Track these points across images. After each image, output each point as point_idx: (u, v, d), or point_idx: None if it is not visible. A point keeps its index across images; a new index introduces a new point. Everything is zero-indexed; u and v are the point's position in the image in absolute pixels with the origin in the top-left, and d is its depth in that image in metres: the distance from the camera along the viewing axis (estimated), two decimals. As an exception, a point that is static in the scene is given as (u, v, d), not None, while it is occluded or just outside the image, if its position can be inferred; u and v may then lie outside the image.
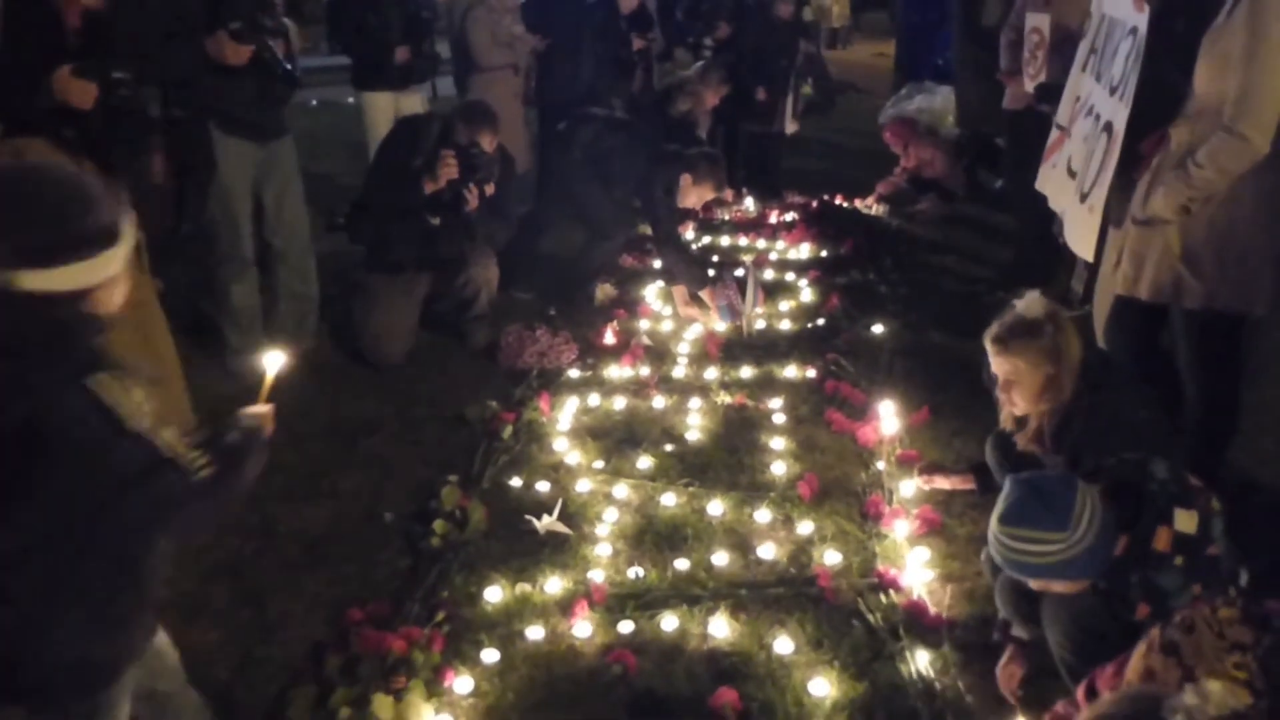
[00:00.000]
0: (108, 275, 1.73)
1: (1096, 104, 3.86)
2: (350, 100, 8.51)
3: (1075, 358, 2.74)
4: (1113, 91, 3.68)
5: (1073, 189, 3.96)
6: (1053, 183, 4.32)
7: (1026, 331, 2.74)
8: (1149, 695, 1.43)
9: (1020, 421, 2.95)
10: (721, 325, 5.27)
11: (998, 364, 2.81)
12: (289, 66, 4.31)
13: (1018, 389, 2.79)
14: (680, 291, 5.45)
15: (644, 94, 7.54)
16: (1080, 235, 3.94)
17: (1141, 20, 3.35)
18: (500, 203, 5.02)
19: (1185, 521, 2.17)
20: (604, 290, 5.70)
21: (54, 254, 1.65)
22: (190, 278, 4.93)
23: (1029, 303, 2.82)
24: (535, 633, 2.94)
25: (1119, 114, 3.56)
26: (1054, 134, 4.41)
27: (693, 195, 5.40)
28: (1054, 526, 2.16)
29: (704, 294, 5.37)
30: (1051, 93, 4.69)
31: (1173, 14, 3.36)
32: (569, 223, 5.84)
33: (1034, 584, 2.33)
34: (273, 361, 2.20)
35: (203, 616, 3.10)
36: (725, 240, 6.99)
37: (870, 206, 7.76)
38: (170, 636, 2.96)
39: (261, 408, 2.05)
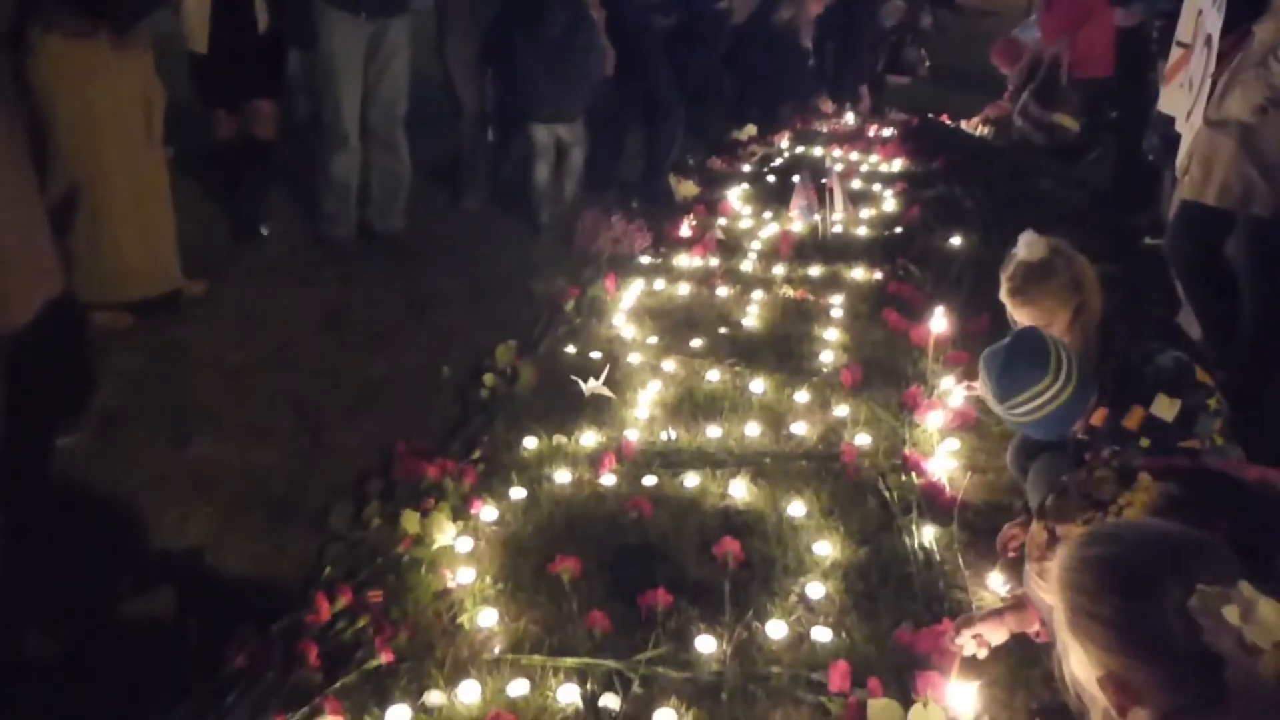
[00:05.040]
0: None
1: (1205, 17, 3.69)
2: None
3: (1092, 274, 2.65)
4: (1214, 1, 3.53)
5: (1186, 107, 3.81)
6: (1176, 103, 4.10)
7: (1041, 274, 2.64)
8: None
9: None
10: (799, 225, 5.29)
11: (1024, 315, 2.69)
12: None
13: (1053, 331, 2.64)
14: None
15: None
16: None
17: None
18: None
19: (1164, 407, 2.19)
20: (686, 187, 5.77)
21: None
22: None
23: (1029, 246, 2.70)
24: (563, 478, 3.12)
25: (1217, 24, 3.42)
26: (1176, 52, 4.20)
27: None
28: (1004, 390, 2.29)
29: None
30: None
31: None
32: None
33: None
34: None
35: (266, 440, 3.38)
36: (819, 151, 6.95)
37: (975, 127, 7.56)
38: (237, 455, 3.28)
39: None
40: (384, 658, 2.35)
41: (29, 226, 2.64)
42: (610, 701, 2.29)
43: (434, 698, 2.29)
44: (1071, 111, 6.53)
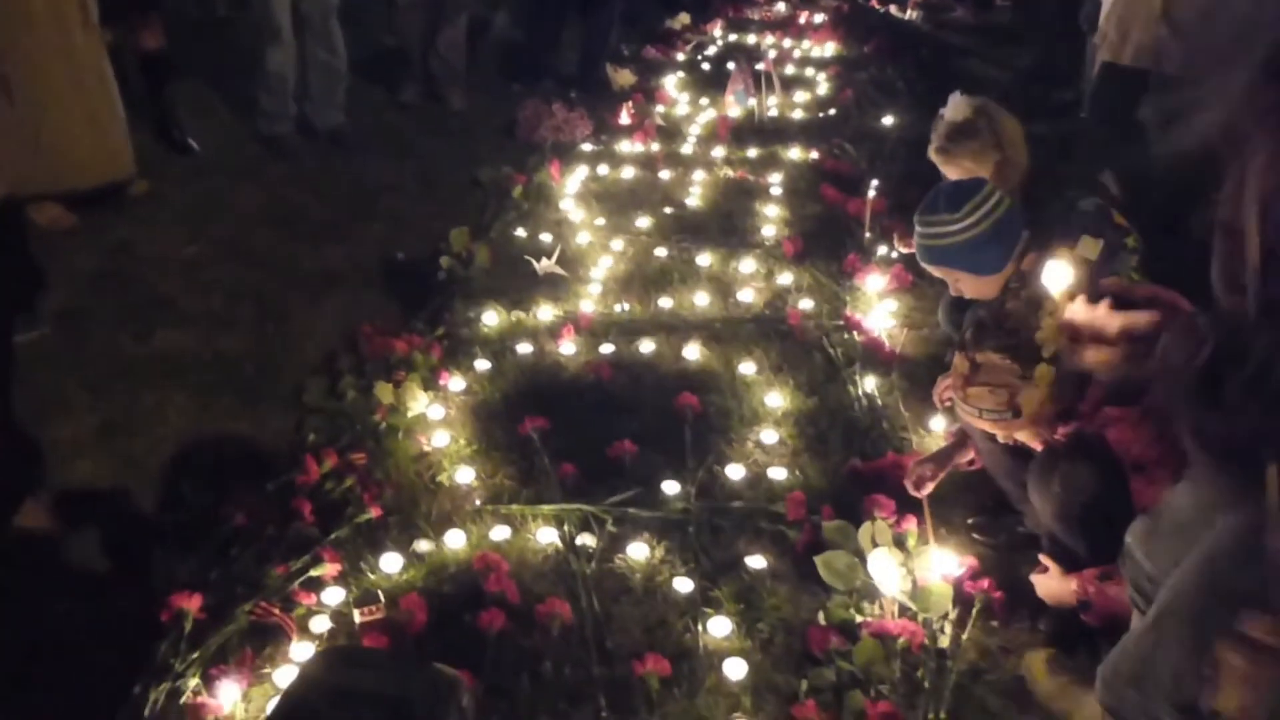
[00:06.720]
0: None
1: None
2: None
3: (1018, 133, 2.80)
4: None
5: None
6: None
7: (963, 133, 2.79)
8: None
9: None
10: (735, 111, 5.40)
11: (950, 171, 2.84)
12: None
13: None
14: None
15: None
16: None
17: None
18: None
19: (1089, 247, 2.36)
20: (623, 76, 5.81)
21: None
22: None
23: (955, 106, 2.86)
24: (524, 349, 3.27)
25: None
26: None
27: None
28: (946, 210, 2.41)
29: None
30: None
31: None
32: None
33: (939, 273, 2.57)
34: None
35: (230, 329, 3.45)
36: (752, 38, 7.01)
37: (905, 12, 7.67)
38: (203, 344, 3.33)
39: None
40: (373, 512, 2.51)
41: None
42: (587, 540, 2.48)
43: (423, 545, 2.46)
44: None
